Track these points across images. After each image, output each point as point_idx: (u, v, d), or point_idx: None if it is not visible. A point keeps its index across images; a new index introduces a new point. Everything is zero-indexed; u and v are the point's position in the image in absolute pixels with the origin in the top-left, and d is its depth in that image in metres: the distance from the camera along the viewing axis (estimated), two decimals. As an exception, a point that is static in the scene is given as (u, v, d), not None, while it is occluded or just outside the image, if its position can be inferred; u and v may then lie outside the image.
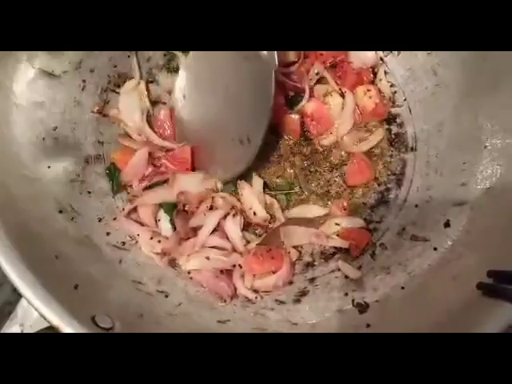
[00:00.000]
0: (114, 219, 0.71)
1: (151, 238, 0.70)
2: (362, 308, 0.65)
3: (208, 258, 0.69)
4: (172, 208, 0.73)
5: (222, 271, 0.70)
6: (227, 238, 0.72)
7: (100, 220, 0.70)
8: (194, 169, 0.76)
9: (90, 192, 0.72)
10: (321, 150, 0.80)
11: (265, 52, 0.67)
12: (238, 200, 0.74)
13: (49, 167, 0.67)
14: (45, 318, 0.51)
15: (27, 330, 0.72)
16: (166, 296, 0.67)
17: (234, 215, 0.72)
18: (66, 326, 0.50)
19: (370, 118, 0.81)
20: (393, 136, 0.80)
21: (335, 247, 0.74)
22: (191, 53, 0.75)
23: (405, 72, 0.80)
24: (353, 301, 0.66)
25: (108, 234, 0.70)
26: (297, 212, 0.76)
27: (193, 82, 0.74)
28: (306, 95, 0.80)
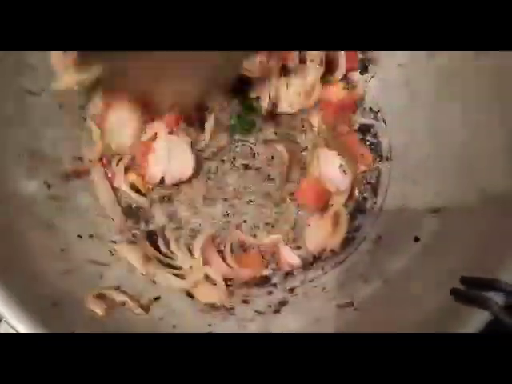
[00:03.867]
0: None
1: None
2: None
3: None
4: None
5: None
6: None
7: (80, 236, 0.70)
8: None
9: (69, 208, 0.71)
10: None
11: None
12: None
13: (26, 184, 0.67)
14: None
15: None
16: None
17: None
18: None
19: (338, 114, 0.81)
20: (368, 146, 0.81)
21: (314, 256, 0.75)
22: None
23: (378, 82, 0.81)
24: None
25: (88, 249, 0.70)
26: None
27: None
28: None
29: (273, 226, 0.77)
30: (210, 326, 0.67)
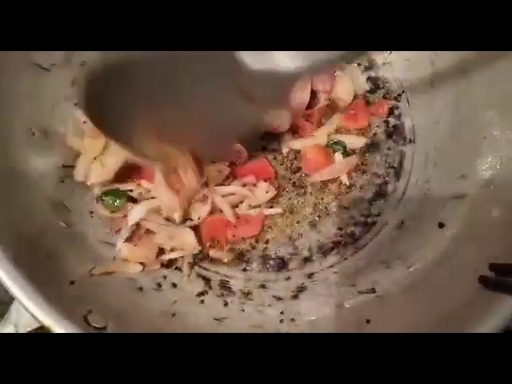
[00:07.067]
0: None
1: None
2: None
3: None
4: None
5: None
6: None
7: (92, 217, 0.68)
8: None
9: (81, 189, 0.69)
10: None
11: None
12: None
13: (38, 163, 0.65)
14: (35, 318, 0.49)
15: (21, 331, 0.71)
16: (161, 294, 0.65)
17: None
18: (58, 326, 0.49)
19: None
20: (391, 128, 0.79)
21: (333, 241, 0.73)
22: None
23: (402, 62, 0.78)
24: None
25: (101, 230, 0.68)
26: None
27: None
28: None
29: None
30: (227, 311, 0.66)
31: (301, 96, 0.77)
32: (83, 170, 0.68)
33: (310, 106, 0.79)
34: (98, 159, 0.69)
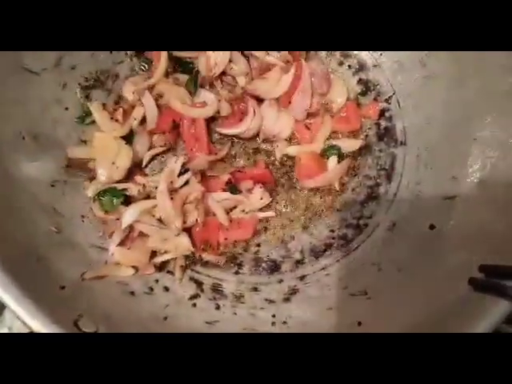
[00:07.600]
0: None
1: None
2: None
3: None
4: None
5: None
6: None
7: (83, 221, 0.68)
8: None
9: (72, 193, 0.69)
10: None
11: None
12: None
13: (29, 167, 0.64)
14: (24, 323, 0.49)
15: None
16: (153, 298, 0.65)
17: None
18: (47, 332, 0.49)
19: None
20: (382, 130, 0.79)
21: (325, 244, 0.73)
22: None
23: (392, 64, 0.79)
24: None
25: (92, 235, 0.68)
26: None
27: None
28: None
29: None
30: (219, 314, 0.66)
31: (302, 100, 0.76)
32: (105, 172, 0.70)
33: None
34: (113, 160, 0.71)
